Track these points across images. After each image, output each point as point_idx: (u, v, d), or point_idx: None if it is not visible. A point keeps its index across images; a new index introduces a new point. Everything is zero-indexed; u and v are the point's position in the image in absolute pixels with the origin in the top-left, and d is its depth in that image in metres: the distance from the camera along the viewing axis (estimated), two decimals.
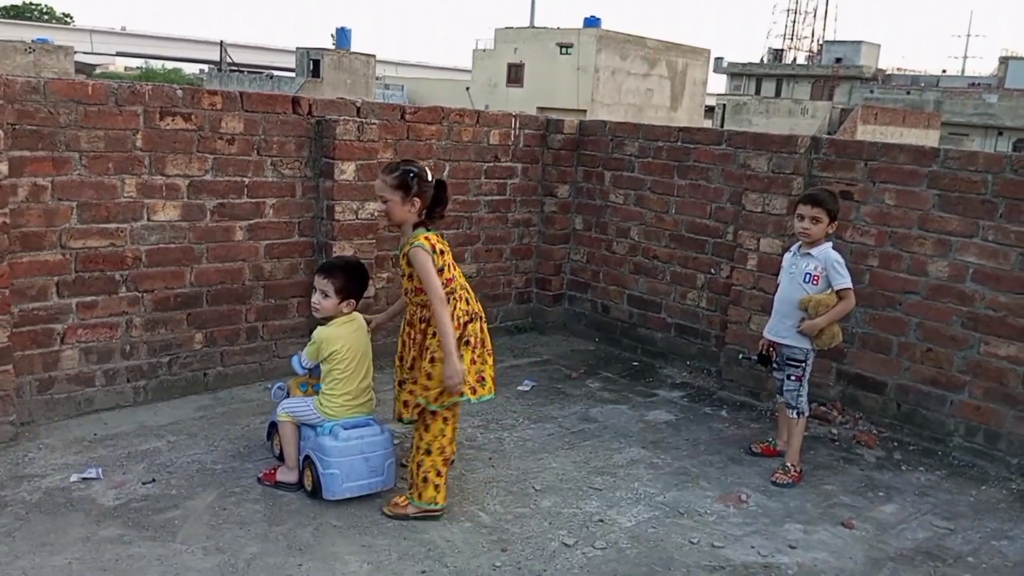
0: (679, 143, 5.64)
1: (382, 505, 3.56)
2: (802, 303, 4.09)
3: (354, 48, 44.72)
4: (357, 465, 3.57)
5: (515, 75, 41.78)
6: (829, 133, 35.00)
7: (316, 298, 3.66)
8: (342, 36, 46.32)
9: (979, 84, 52.99)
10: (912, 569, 3.37)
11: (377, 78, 45.36)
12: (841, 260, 4.09)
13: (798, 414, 4.17)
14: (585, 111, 37.49)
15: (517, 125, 6.03)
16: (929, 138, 37.59)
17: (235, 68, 50.88)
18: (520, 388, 5.14)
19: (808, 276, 4.09)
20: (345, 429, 3.60)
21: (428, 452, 3.48)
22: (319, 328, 3.67)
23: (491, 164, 5.94)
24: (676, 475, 4.09)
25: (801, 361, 4.16)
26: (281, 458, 3.78)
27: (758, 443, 4.46)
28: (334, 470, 3.54)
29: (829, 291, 4.07)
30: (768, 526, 3.65)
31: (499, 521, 3.53)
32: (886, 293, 4.75)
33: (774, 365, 4.30)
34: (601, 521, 3.59)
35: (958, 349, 4.52)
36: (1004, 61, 52.00)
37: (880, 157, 4.74)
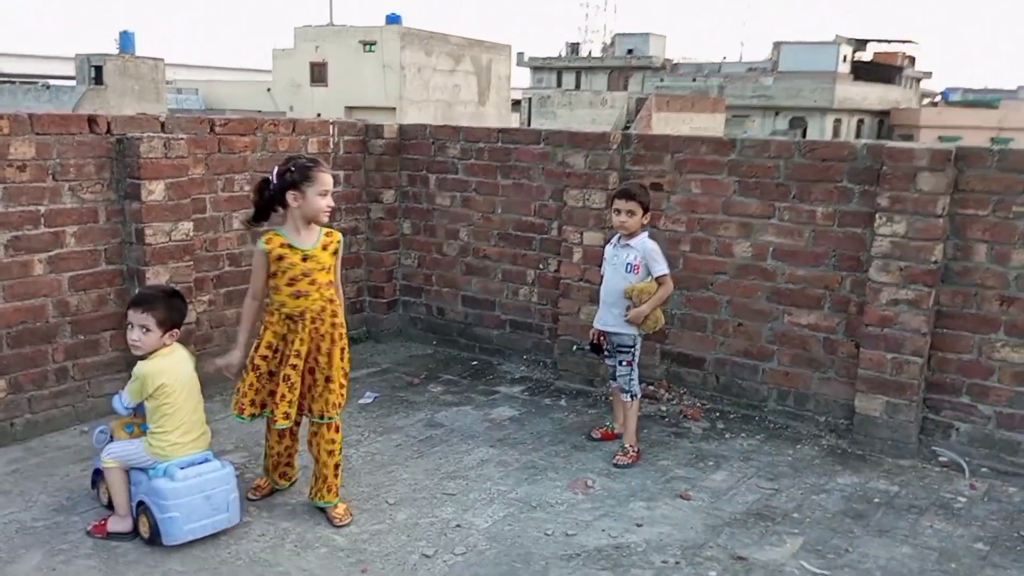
0: (499, 143, 5.76)
1: (333, 520, 3.60)
2: (626, 292, 4.30)
3: (140, 52, 41.88)
4: (198, 505, 3.38)
5: (319, 74, 40.78)
6: (628, 122, 36.86)
7: (136, 334, 3.42)
8: (126, 40, 43.20)
9: (756, 68, 57.59)
10: (746, 531, 3.66)
11: (168, 82, 42.74)
12: (658, 248, 4.35)
13: (632, 397, 4.40)
14: (395, 109, 37.26)
15: (336, 132, 5.91)
16: (716, 121, 40.48)
17: (5, 79, 46.20)
18: (362, 401, 5.06)
19: (629, 266, 4.32)
20: (181, 468, 3.40)
21: (333, 453, 3.68)
22: (140, 363, 3.43)
23: None
24: (525, 469, 4.20)
25: (630, 346, 4.39)
26: (110, 506, 3.52)
27: (597, 428, 4.66)
28: (173, 513, 3.33)
29: (650, 278, 4.31)
30: (615, 508, 3.83)
31: (355, 542, 3.48)
32: (699, 275, 5.10)
33: (606, 353, 4.51)
34: (458, 526, 3.62)
35: (765, 321, 4.93)
36: (777, 46, 56.77)
37: (685, 149, 5.07)
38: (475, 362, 5.90)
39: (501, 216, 5.82)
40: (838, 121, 50.04)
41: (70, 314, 4.50)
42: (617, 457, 4.31)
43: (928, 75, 65.67)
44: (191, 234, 4.87)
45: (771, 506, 3.89)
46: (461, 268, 6.06)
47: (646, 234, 4.39)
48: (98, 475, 3.63)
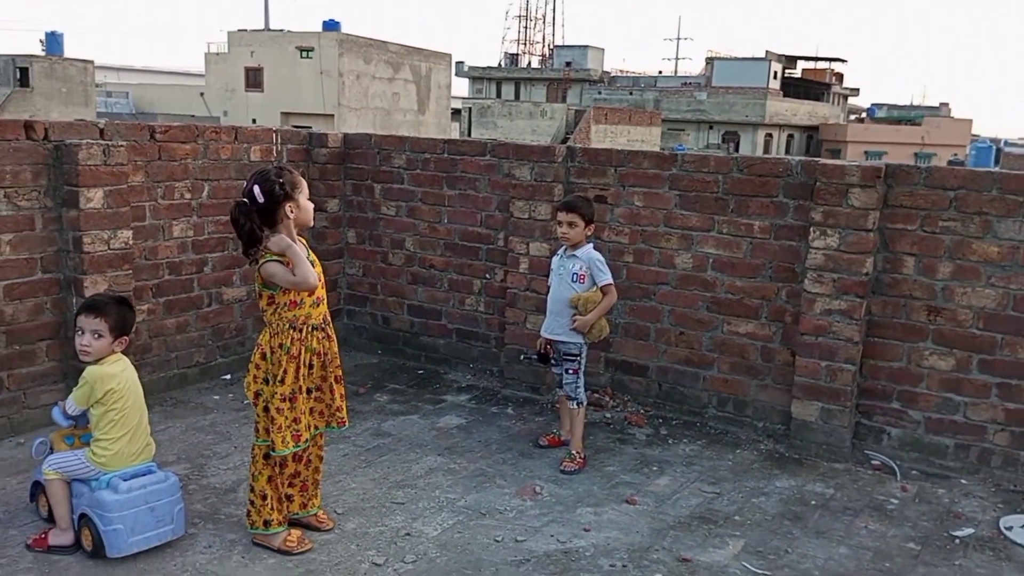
0: (445, 154, 5.79)
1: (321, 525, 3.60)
2: (572, 301, 4.39)
3: (68, 54, 40.60)
4: (143, 517, 3.34)
5: (254, 79, 40.18)
6: (567, 133, 37.27)
7: (86, 339, 3.35)
8: (53, 41, 41.81)
9: (690, 83, 58.89)
10: (690, 534, 3.76)
11: (97, 85, 41.54)
12: (602, 259, 4.45)
13: (578, 404, 4.48)
14: (332, 116, 36.95)
15: (279, 140, 5.86)
16: (652, 134, 41.27)
17: None
18: None
19: (575, 276, 4.41)
20: (125, 480, 3.35)
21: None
22: (89, 368, 3.37)
23: None
24: (474, 477, 4.23)
25: (576, 355, 4.47)
26: (51, 519, 3.43)
27: (544, 436, 4.72)
28: (117, 525, 3.28)
29: (595, 288, 4.41)
30: (563, 513, 3.90)
31: (304, 552, 3.46)
32: (642, 285, 5.22)
33: (552, 361, 4.58)
34: (408, 535, 3.64)
35: (705, 330, 5.07)
36: (710, 62, 58.14)
37: (627, 163, 5.19)
38: (421, 371, 5.91)
39: (447, 226, 5.85)
40: (769, 135, 51.48)
41: (5, 324, 4.38)
42: (564, 463, 4.38)
43: (856, 92, 68.14)
44: (130, 242, 4.79)
45: (713, 509, 4.00)
46: (407, 277, 6.06)
47: (591, 245, 4.49)
48: (37, 487, 3.55)
